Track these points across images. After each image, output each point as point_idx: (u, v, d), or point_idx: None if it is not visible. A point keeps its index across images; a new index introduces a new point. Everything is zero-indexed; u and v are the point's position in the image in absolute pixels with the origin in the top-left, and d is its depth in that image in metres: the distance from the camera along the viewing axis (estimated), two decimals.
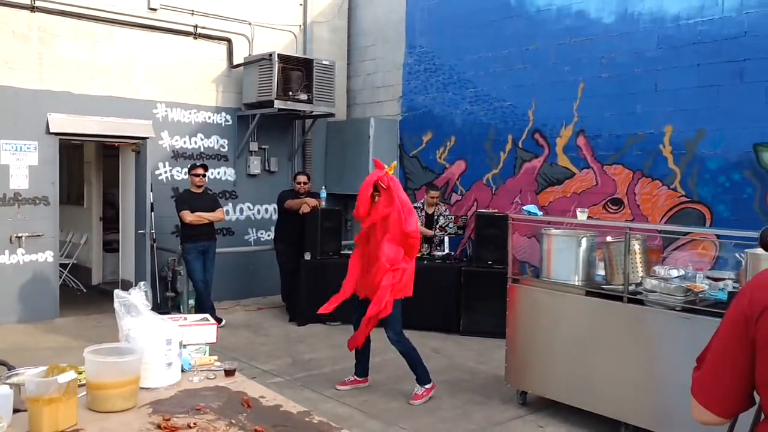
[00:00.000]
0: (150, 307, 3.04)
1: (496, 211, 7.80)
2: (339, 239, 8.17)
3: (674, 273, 5.10)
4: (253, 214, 9.57)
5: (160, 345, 2.92)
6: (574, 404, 4.90)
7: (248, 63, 8.97)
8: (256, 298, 9.38)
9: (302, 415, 2.78)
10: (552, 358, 5.00)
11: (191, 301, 7.90)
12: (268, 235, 9.65)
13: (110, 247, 10.46)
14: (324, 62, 9.05)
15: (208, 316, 3.55)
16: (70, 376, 2.47)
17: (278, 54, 8.57)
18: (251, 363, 6.20)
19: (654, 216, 6.93)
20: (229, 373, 3.16)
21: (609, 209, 7.27)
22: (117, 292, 3.04)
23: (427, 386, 5.34)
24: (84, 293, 9.57)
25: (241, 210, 9.44)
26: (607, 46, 7.31)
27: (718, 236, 6.28)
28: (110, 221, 10.60)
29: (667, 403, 4.33)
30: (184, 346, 3.21)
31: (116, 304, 3.02)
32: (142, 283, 3.06)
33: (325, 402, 5.26)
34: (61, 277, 9.07)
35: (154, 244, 7.82)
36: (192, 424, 2.52)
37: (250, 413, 2.71)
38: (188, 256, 7.58)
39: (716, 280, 4.98)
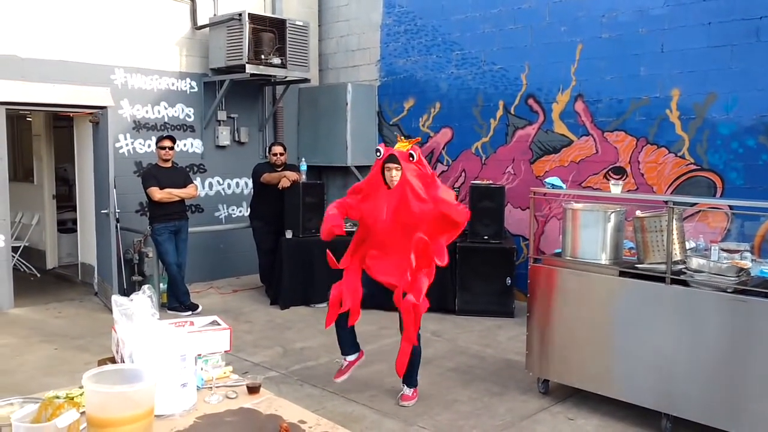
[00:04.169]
0: (158, 317, 2.46)
1: (491, 182, 7.32)
2: (322, 215, 7.52)
3: (687, 245, 4.76)
4: (224, 188, 8.87)
5: (174, 363, 2.36)
6: (604, 394, 4.51)
7: (215, 24, 8.19)
8: (229, 278, 8.76)
9: None
10: (580, 345, 4.58)
11: (162, 286, 7.24)
12: (240, 212, 8.99)
13: (64, 227, 9.65)
14: (298, 23, 8.34)
15: (217, 318, 2.98)
16: (71, 416, 1.89)
17: (249, 13, 7.82)
18: (238, 355, 5.64)
19: (660, 185, 6.57)
20: (252, 390, 2.62)
21: (610, 178, 6.87)
22: (116, 298, 2.46)
23: (414, 388, 4.72)
24: (38, 278, 8.78)
25: (211, 185, 8.73)
26: (608, 3, 6.83)
27: (731, 207, 5.98)
28: (63, 199, 9.79)
29: (717, 393, 3.97)
30: (200, 357, 2.66)
31: (115, 313, 2.44)
32: (146, 287, 2.48)
33: (331, 399, 4.75)
34: (12, 262, 8.28)
35: (118, 225, 7.11)
36: None
37: None
38: (159, 238, 6.90)
39: (731, 252, 4.67)
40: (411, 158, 4.31)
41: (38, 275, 8.87)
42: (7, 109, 6.97)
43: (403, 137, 4.54)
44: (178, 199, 6.96)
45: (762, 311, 3.80)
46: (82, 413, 2.00)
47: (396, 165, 4.33)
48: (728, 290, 3.92)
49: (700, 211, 6.16)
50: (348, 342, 4.78)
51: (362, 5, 9.23)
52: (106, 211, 7.01)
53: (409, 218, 4.34)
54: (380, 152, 4.44)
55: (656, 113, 6.57)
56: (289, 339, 6.21)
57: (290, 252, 7.32)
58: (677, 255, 4.32)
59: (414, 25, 8.59)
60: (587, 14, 6.99)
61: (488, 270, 6.95)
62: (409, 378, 4.69)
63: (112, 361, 2.58)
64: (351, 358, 4.80)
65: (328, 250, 4.51)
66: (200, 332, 2.76)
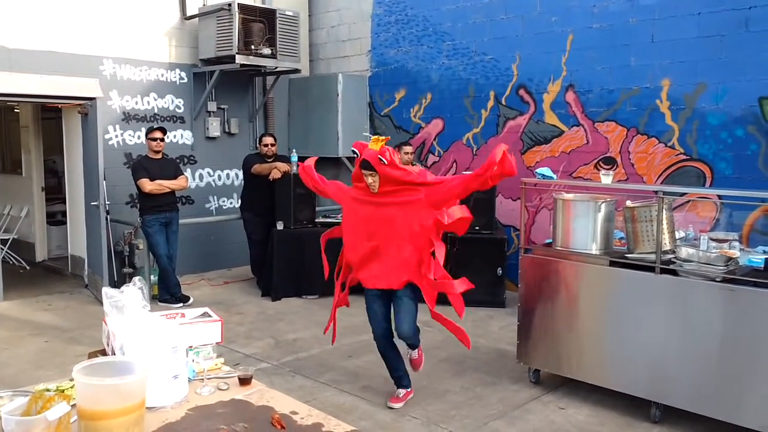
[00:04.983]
0: (149, 308, 2.45)
1: None
2: (313, 207, 7.57)
3: (676, 235, 4.79)
4: (214, 180, 8.84)
5: (165, 355, 2.36)
6: (595, 383, 4.54)
7: (204, 14, 8.13)
8: (220, 270, 8.74)
9: None
10: (570, 334, 4.60)
11: (153, 278, 7.21)
12: (231, 203, 8.97)
13: (54, 219, 9.59)
14: (288, 13, 8.30)
15: (208, 310, 2.97)
16: (61, 409, 1.88)
17: (238, 3, 7.77)
18: (230, 346, 5.64)
19: (650, 175, 6.59)
20: (244, 381, 2.61)
21: (601, 168, 6.88)
22: (106, 290, 2.45)
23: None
24: (27, 271, 8.73)
25: (201, 176, 8.70)
26: None
27: (720, 197, 6.00)
28: (52, 191, 9.72)
29: (705, 381, 4.00)
30: (191, 349, 2.65)
31: (106, 306, 2.43)
32: (137, 278, 2.47)
33: (323, 390, 4.76)
34: (1, 254, 8.26)
35: (108, 217, 7.07)
36: None
37: None
38: (149, 230, 6.87)
39: (720, 241, 4.70)
40: (381, 162, 4.11)
41: (27, 268, 8.82)
42: None
43: (375, 135, 4.32)
44: (168, 190, 6.93)
45: (750, 300, 3.83)
46: (73, 406, 1.99)
47: (371, 172, 4.16)
48: (717, 279, 3.95)
49: (689, 200, 6.18)
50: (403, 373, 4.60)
51: None
52: (95, 203, 6.96)
53: (406, 214, 4.24)
54: (357, 153, 4.26)
55: (646, 103, 6.59)
56: (280, 330, 6.22)
57: (281, 243, 7.31)
58: (667, 245, 4.34)
59: (405, 15, 8.56)
60: (578, 4, 6.99)
61: (479, 260, 6.95)
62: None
63: (103, 353, 2.57)
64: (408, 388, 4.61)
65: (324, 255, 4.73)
66: (191, 324, 2.75)
